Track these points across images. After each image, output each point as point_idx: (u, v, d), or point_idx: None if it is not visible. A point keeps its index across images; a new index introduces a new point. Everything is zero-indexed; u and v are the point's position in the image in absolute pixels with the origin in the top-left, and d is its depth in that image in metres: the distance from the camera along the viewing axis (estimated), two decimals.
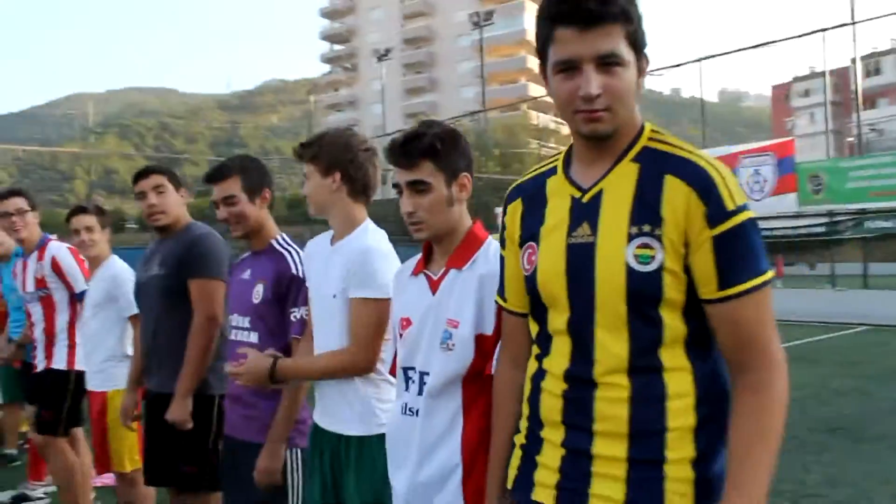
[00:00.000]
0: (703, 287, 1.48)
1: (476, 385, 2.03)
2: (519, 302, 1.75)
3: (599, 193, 1.56)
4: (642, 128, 1.59)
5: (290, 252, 2.94)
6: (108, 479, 4.79)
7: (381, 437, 2.30)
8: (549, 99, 1.95)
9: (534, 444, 1.67)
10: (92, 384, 4.16)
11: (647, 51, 1.54)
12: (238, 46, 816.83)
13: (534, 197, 1.69)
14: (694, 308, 1.50)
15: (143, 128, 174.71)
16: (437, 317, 2.08)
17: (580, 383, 1.56)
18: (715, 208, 1.45)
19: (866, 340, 13.73)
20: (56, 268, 4.43)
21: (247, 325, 2.90)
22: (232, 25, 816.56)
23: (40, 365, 4.50)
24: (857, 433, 6.79)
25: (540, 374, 1.66)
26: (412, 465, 2.09)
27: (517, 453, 1.73)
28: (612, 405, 1.51)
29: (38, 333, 4.50)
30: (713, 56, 24.94)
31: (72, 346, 4.45)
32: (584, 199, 1.58)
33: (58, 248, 4.50)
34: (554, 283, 1.58)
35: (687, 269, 1.48)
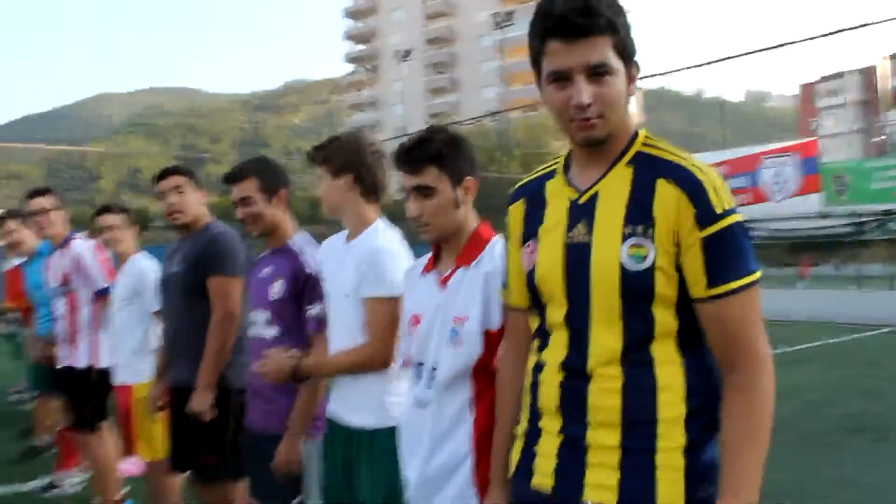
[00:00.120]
0: (693, 286, 1.56)
1: (484, 378, 2.11)
2: (521, 298, 1.84)
3: (595, 195, 1.65)
4: (636, 134, 1.68)
5: (305, 250, 3.05)
6: (134, 467, 4.94)
7: (393, 429, 2.39)
8: None
9: (533, 434, 1.76)
10: (119, 377, 4.30)
11: (636, 59, 1.63)
12: (261, 47, 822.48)
13: (535, 198, 1.79)
14: (685, 305, 1.59)
15: (168, 127, 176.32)
16: (446, 313, 2.17)
17: (575, 375, 1.64)
18: (704, 211, 1.54)
19: (891, 342, 13.57)
20: (78, 265, 4.53)
21: (266, 320, 3.02)
22: (255, 26, 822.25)
23: (64, 361, 4.63)
24: (879, 435, 6.74)
25: (539, 367, 1.74)
26: (423, 456, 2.17)
27: (518, 442, 1.82)
28: (605, 396, 1.60)
29: (62, 329, 4.63)
30: (736, 56, 24.81)
31: (94, 342, 4.57)
32: (581, 201, 1.67)
33: (80, 246, 4.60)
34: (552, 280, 1.68)
35: (678, 269, 1.56)
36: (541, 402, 1.73)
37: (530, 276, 1.74)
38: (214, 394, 3.35)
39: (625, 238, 1.58)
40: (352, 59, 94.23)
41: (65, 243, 4.63)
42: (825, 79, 73.55)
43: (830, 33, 22.58)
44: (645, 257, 1.56)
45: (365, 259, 2.58)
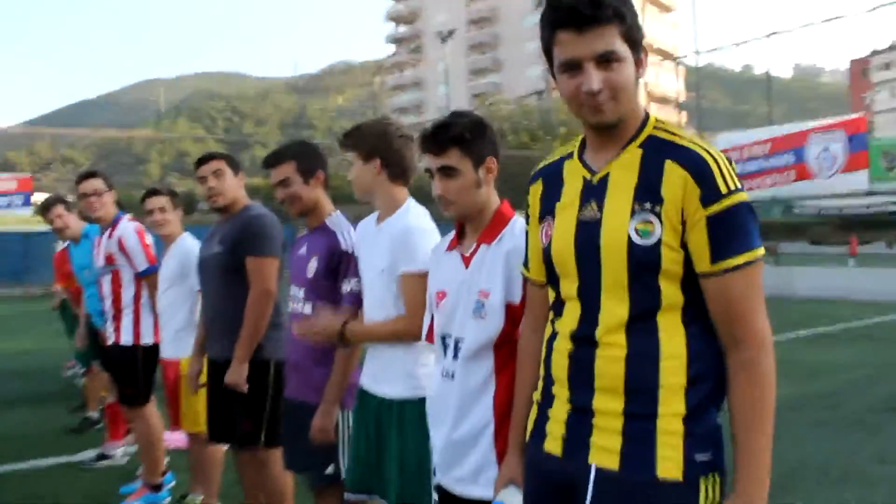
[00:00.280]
0: (698, 262, 1.65)
1: (506, 350, 2.21)
2: (539, 272, 1.94)
3: (607, 176, 1.75)
4: (647, 118, 1.77)
5: (341, 228, 3.18)
6: (177, 440, 5.15)
7: (423, 400, 2.51)
8: None
9: (547, 400, 1.86)
10: (167, 352, 4.50)
11: (644, 44, 1.72)
12: (304, 29, 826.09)
13: (553, 177, 1.89)
14: (691, 281, 1.67)
15: (214, 111, 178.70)
16: (470, 288, 2.28)
17: (584, 343, 1.74)
18: (708, 191, 1.62)
19: None
20: (121, 246, 4.68)
21: (302, 296, 3.16)
22: (298, 8, 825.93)
23: (110, 338, 4.80)
24: None
25: (553, 336, 1.85)
26: (449, 424, 2.28)
27: (534, 408, 1.93)
28: (610, 363, 1.69)
29: (108, 307, 4.79)
30: (784, 32, 24.29)
31: (136, 321, 4.70)
32: (594, 181, 1.76)
33: (125, 228, 4.73)
34: (565, 255, 1.77)
35: (684, 246, 1.65)
36: (553, 370, 1.83)
37: (546, 251, 1.84)
38: (249, 368, 3.51)
39: (633, 215, 1.66)
40: (394, 39, 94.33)
41: (113, 224, 4.78)
42: (877, 52, 71.55)
43: (884, 5, 21.92)
44: (652, 233, 1.64)
45: (398, 237, 2.71)
